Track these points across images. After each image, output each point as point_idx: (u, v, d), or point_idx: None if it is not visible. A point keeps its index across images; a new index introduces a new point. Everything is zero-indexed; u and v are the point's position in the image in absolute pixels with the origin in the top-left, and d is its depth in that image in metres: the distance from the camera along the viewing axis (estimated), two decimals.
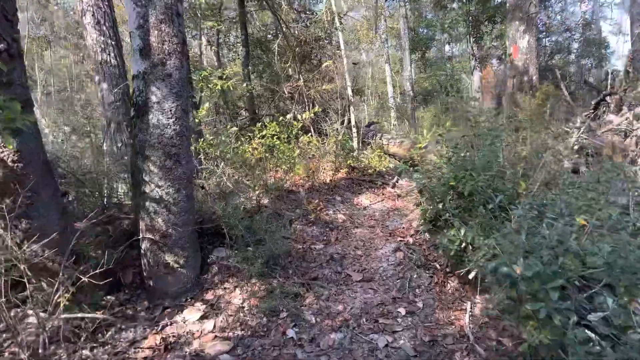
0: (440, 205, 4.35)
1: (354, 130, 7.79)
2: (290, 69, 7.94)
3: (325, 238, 4.84)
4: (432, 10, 22.82)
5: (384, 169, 7.32)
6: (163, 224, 3.30)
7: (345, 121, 8.20)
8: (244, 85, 7.84)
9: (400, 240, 4.76)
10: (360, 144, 7.95)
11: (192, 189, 3.57)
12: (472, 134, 4.95)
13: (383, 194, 6.25)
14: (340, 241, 4.82)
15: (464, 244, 3.49)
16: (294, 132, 6.21)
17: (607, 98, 6.92)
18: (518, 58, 8.29)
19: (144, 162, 3.25)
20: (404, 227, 5.13)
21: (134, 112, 3.33)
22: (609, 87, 8.28)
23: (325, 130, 7.87)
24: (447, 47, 24.57)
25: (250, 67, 8.42)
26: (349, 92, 7.81)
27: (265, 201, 5.24)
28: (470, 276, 3.27)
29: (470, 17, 12.75)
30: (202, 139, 5.25)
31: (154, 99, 3.20)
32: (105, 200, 4.08)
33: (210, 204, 4.37)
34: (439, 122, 20.07)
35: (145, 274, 3.42)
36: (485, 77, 18.56)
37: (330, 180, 6.23)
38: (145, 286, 3.44)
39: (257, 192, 5.13)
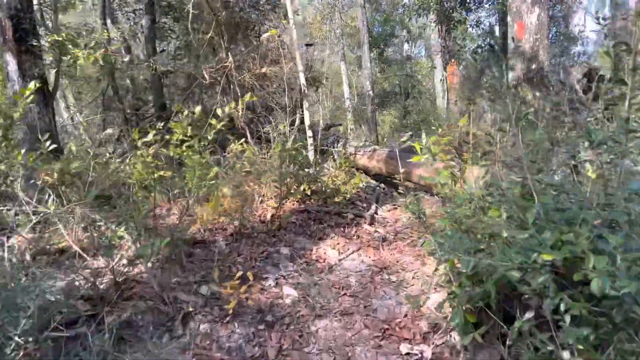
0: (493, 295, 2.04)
1: (309, 134, 5.35)
2: (214, 44, 5.42)
3: (255, 352, 2.36)
4: (390, 4, 20.90)
5: (355, 191, 4.94)
6: None
7: (297, 122, 5.75)
8: (147, 66, 5.26)
9: (408, 354, 2.37)
10: (318, 155, 5.50)
11: None
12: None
13: (358, 236, 3.85)
14: (287, 357, 2.35)
15: None
16: (210, 136, 3.69)
17: None
18: (525, 39, 6.21)
19: None
20: (406, 315, 2.73)
21: None
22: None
23: (268, 134, 5.39)
24: (405, 46, 22.73)
25: (158, 42, 5.88)
26: (302, 79, 5.36)
27: (136, 270, 2.69)
28: None
29: (442, 1, 10.69)
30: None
31: None
32: None
33: None
34: (402, 127, 17.99)
35: None
36: (451, 75, 16.74)
37: (274, 216, 3.77)
38: None
39: (119, 255, 2.59)
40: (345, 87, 19.94)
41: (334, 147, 6.86)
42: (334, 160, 5.81)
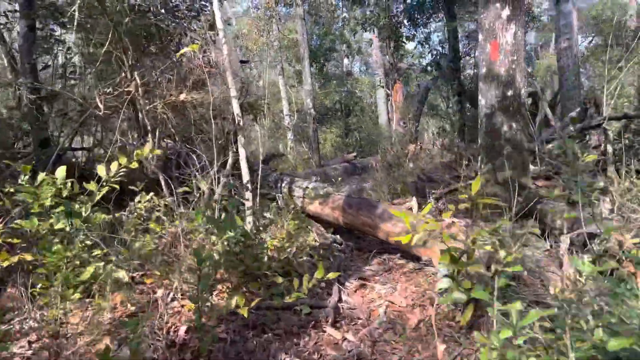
0: None
1: (246, 179, 4.05)
2: (117, 60, 3.99)
3: None
4: (329, 16, 20.05)
5: (305, 256, 3.71)
6: None
7: (230, 161, 4.44)
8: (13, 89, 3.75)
9: None
10: (257, 203, 4.20)
11: None
12: None
13: (320, 355, 2.60)
14: None
15: None
16: (86, 208, 2.33)
17: None
18: (499, 61, 5.35)
19: None
20: None
21: None
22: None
23: (191, 181, 4.04)
24: (345, 61, 21.97)
25: (40, 55, 4.35)
26: (235, 107, 4.07)
27: None
28: None
29: (390, 16, 9.83)
30: None
31: None
32: None
33: None
34: (344, 145, 17.00)
35: None
36: (396, 94, 16.07)
37: (189, 331, 2.42)
38: None
39: None
40: (285, 104, 18.76)
41: (277, 188, 5.60)
42: (279, 210, 4.55)
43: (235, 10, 24.31)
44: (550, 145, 6.99)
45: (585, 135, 7.04)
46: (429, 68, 11.36)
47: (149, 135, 3.94)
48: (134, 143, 4.23)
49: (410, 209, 5.34)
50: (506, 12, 5.29)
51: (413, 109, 13.44)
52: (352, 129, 18.90)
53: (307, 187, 5.15)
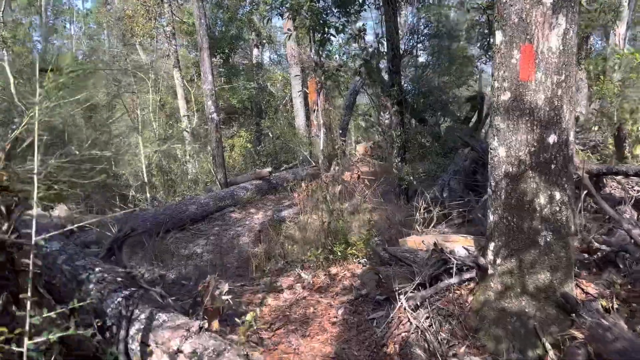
0: None
1: None
2: None
3: None
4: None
5: None
6: None
7: None
8: None
9: None
10: None
11: None
12: None
13: None
14: None
15: None
16: None
17: None
18: (535, 82, 2.96)
19: None
20: None
21: None
22: None
23: None
24: (255, 51, 19.00)
25: None
26: None
27: None
28: None
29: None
30: None
31: None
32: None
33: None
34: (256, 155, 14.13)
35: None
36: (312, 94, 13.56)
37: None
38: None
39: None
40: (181, 102, 15.41)
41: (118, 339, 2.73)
42: None
43: None
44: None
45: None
46: (361, 69, 8.94)
47: None
48: None
49: None
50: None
51: (341, 115, 11.02)
52: (264, 133, 16.08)
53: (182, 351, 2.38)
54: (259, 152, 14.66)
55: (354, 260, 5.25)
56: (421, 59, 12.57)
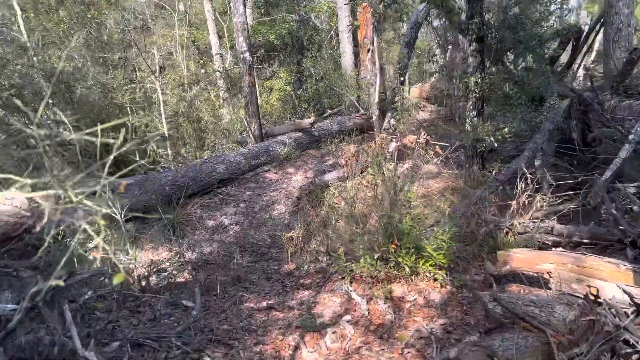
0: None
1: None
2: None
3: None
4: None
5: None
6: None
7: None
8: None
9: None
10: None
11: None
12: None
13: None
14: None
15: None
16: None
17: None
18: None
19: None
20: None
21: None
22: None
23: None
24: None
25: None
26: None
27: None
28: None
29: None
30: None
31: None
32: None
33: None
34: (297, 99, 12.30)
35: None
36: (363, 27, 11.42)
37: None
38: None
39: None
40: (213, 38, 13.63)
41: None
42: None
43: None
44: None
45: None
46: None
47: None
48: None
49: None
50: None
51: (401, 55, 8.96)
52: (307, 75, 14.16)
53: None
54: (299, 96, 12.87)
55: (427, 274, 3.63)
56: None
